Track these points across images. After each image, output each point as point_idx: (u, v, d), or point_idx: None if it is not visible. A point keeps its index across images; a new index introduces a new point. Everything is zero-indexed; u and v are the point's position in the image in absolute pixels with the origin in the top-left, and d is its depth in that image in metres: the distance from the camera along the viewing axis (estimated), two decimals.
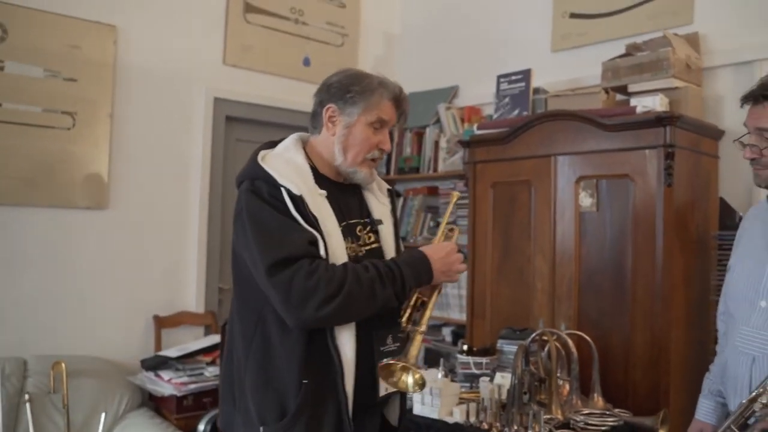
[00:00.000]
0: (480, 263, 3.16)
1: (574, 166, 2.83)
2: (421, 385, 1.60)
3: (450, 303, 3.73)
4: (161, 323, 3.52)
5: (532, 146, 2.97)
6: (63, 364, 2.91)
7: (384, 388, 1.71)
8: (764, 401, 1.55)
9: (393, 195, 1.95)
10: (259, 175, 1.65)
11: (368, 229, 1.81)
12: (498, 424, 2.22)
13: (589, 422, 2.24)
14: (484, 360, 2.62)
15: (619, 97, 3.05)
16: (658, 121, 2.56)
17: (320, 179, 1.74)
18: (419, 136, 4.14)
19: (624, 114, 2.69)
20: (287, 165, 1.69)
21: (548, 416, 2.25)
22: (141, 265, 3.50)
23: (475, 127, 3.36)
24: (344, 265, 1.60)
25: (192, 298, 3.71)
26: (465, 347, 2.71)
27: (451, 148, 3.89)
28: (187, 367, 3.24)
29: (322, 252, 1.59)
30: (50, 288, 3.21)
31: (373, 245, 1.80)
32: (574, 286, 2.81)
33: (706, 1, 3.07)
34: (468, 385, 2.58)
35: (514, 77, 3.48)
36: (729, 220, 2.81)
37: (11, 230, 3.12)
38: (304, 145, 1.81)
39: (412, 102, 4.28)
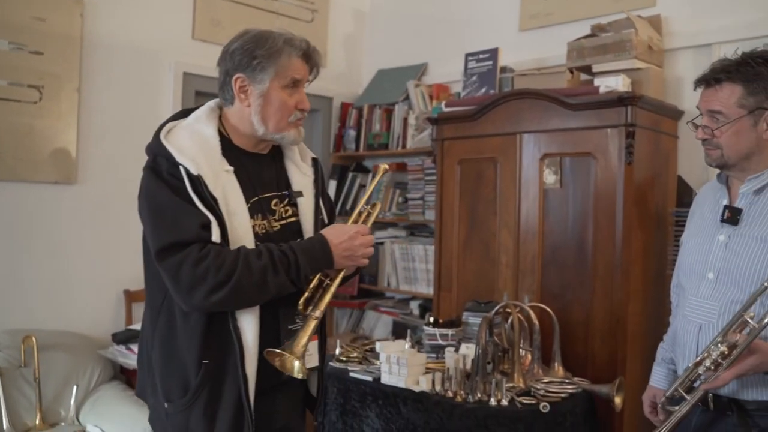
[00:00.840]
0: (447, 238, 3.24)
1: (539, 143, 2.90)
2: (305, 372, 1.57)
3: (418, 277, 3.81)
4: (132, 297, 3.53)
5: (498, 124, 3.04)
6: (34, 338, 2.91)
7: None
8: (707, 364, 1.64)
9: (318, 165, 1.86)
10: (160, 152, 1.59)
11: (286, 202, 1.74)
12: (462, 393, 2.31)
13: (549, 390, 2.34)
14: (449, 332, 2.68)
15: (583, 77, 3.13)
16: (620, 101, 2.63)
17: (232, 151, 1.66)
18: (388, 112, 4.18)
19: (587, 94, 2.76)
20: (192, 138, 1.61)
21: (510, 384, 2.34)
22: (111, 239, 3.48)
23: (443, 104, 3.41)
24: (237, 250, 1.54)
25: None
26: (431, 319, 2.77)
27: (419, 125, 3.93)
28: None
29: (214, 237, 1.52)
30: (20, 262, 3.19)
31: (290, 219, 1.73)
32: (538, 261, 2.90)
33: None
34: (434, 355, 2.65)
35: (481, 56, 3.53)
36: (686, 197, 2.92)
37: None
38: (221, 113, 1.72)
39: (382, 79, 4.41)
